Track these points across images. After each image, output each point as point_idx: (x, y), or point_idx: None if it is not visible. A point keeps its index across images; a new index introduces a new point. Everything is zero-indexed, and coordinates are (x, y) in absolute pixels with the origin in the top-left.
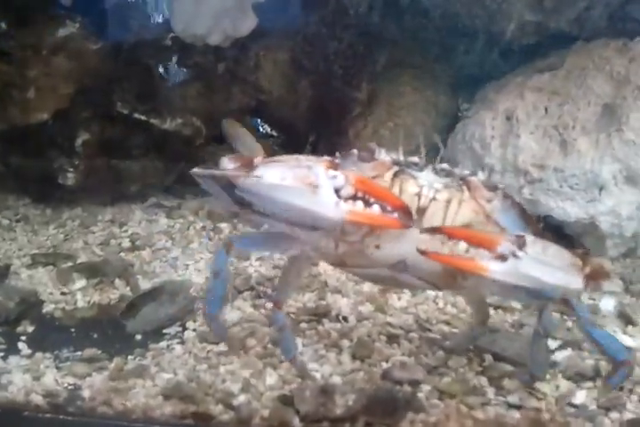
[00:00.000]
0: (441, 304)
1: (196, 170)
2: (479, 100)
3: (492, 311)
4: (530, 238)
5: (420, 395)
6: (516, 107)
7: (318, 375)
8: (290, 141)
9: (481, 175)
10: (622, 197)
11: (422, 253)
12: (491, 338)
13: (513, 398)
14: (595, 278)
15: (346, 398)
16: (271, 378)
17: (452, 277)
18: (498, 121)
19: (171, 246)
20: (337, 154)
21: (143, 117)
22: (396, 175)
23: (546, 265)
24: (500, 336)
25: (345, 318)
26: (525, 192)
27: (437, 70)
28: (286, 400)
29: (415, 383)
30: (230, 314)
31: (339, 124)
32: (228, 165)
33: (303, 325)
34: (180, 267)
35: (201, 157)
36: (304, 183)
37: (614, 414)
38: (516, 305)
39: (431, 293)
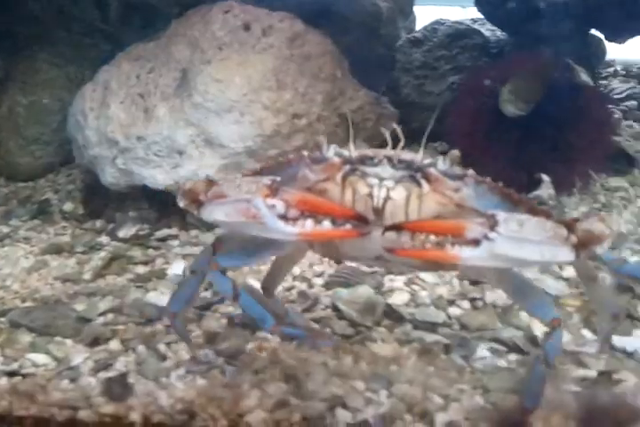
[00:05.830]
0: None
1: None
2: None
3: None
4: (502, 216)
5: None
6: (112, 77)
7: None
8: None
9: (441, 164)
10: (203, 160)
11: (389, 251)
12: (24, 311)
13: (10, 367)
14: (585, 245)
15: None
16: None
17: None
18: (97, 93)
19: None
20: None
21: None
22: (346, 176)
23: (525, 242)
24: (35, 308)
25: None
26: (119, 163)
27: (85, 45)
28: None
29: None
30: None
31: None
32: (179, 200)
33: None
34: None
35: None
36: (248, 217)
37: (102, 374)
38: None
39: None
